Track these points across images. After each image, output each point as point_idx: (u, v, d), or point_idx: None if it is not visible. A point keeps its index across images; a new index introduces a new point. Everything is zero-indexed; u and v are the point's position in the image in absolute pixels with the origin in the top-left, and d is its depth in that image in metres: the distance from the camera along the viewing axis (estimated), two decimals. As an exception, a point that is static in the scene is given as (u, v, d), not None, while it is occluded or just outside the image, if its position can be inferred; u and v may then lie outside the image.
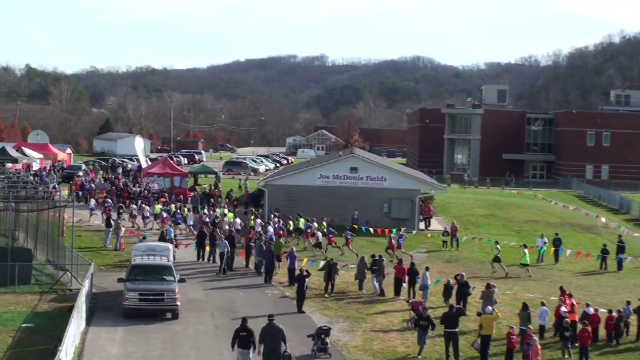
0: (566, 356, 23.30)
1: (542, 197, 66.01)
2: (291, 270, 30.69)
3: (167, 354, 21.60)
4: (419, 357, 22.56)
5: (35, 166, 66.35)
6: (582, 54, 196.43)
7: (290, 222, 41.16)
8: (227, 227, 38.80)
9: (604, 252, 38.32)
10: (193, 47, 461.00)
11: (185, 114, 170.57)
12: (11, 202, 32.71)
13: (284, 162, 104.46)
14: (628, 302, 26.33)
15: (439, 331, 23.79)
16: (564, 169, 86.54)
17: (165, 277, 25.77)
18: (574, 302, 26.02)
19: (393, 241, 37.68)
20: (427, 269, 29.59)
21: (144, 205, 44.23)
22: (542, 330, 25.06)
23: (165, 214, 41.63)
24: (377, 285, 30.07)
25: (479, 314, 24.03)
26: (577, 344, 23.40)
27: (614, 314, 25.44)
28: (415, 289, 29.40)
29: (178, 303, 25.10)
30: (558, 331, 24.47)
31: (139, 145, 75.38)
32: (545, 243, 39.27)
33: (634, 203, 61.50)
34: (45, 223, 33.53)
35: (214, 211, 42.89)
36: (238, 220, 40.65)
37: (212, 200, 49.04)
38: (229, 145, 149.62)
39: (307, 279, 27.28)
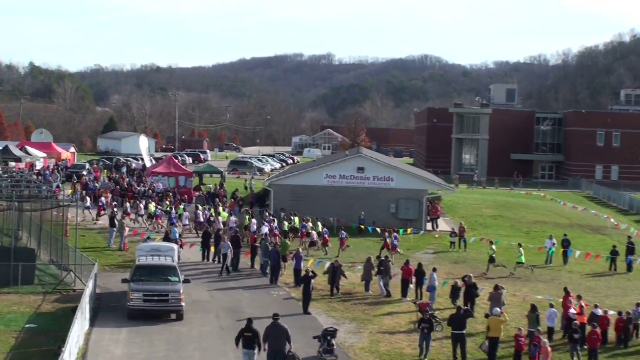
0: (575, 358, 23.05)
1: (550, 197, 65.60)
2: (297, 271, 30.52)
3: (171, 355, 21.46)
4: (423, 358, 22.32)
5: (39, 165, 66.19)
6: (592, 53, 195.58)
7: (286, 222, 40.91)
8: (221, 225, 38.99)
9: (614, 253, 38.01)
10: (198, 45, 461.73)
11: (190, 112, 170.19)
12: (14, 201, 32.61)
13: (290, 161, 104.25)
14: (638, 304, 26.04)
15: (446, 333, 23.61)
16: (573, 170, 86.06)
17: (169, 277, 25.60)
18: (583, 304, 25.78)
19: (387, 240, 37.44)
20: (434, 270, 29.39)
21: (138, 204, 44.12)
22: (550, 332, 24.86)
23: (159, 212, 41.59)
24: (382, 286, 29.83)
25: (486, 316, 23.89)
26: (586, 346, 23.19)
27: (623, 315, 25.14)
28: (422, 290, 29.16)
29: (183, 304, 24.96)
30: (567, 333, 24.27)
31: (144, 144, 75.03)
32: (554, 244, 38.96)
33: (644, 204, 61.05)
34: (48, 223, 33.42)
35: (209, 210, 42.81)
36: (233, 219, 40.57)
37: (217, 200, 48.86)
38: (235, 145, 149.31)
39: (313, 280, 27.09)
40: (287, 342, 19.86)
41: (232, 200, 49.72)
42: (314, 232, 38.61)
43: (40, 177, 53.15)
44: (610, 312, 25.93)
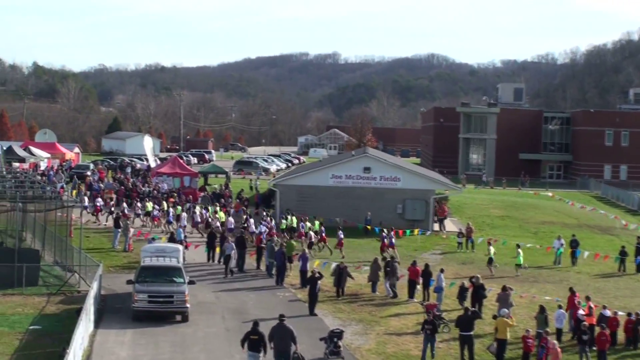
0: (584, 360, 22.82)
1: (559, 197, 65.26)
2: (303, 272, 30.30)
3: (176, 357, 21.35)
4: None
5: (43, 166, 65.95)
6: (601, 52, 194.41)
7: (283, 221, 40.73)
8: (218, 224, 39.00)
9: (623, 254, 37.75)
10: (203, 45, 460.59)
11: (195, 112, 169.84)
12: (18, 202, 32.48)
13: (296, 161, 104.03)
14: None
15: (454, 334, 23.43)
16: (582, 169, 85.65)
17: (174, 278, 25.49)
18: (592, 305, 25.57)
19: (385, 240, 37.25)
20: (441, 271, 29.20)
21: (136, 204, 44.00)
22: (559, 333, 24.69)
23: (156, 212, 41.59)
24: (389, 287, 29.63)
25: (494, 317, 23.70)
26: (595, 348, 23.02)
27: (633, 317, 24.91)
28: (429, 292, 28.95)
29: (188, 305, 24.82)
30: (576, 335, 24.09)
31: (148, 144, 75.01)
32: (562, 245, 38.69)
33: (653, 204, 60.64)
34: (52, 223, 33.32)
35: (207, 210, 42.72)
36: (231, 219, 40.49)
37: (222, 200, 48.72)
38: (240, 145, 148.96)
39: (319, 281, 26.93)
40: (293, 344, 19.76)
41: (238, 200, 49.57)
42: (312, 233, 38.38)
43: (44, 178, 52.95)
44: (620, 313, 25.71)
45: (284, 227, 40.07)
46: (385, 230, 38.58)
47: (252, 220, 39.69)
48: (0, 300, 26.68)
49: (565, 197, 64.92)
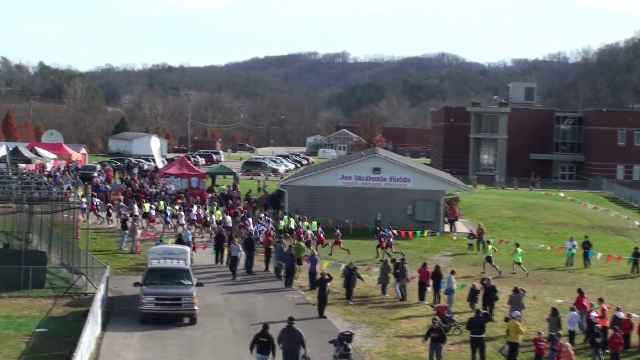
0: (597, 363, 22.53)
1: (571, 198, 64.76)
2: (312, 274, 30.11)
3: (184, 360, 21.17)
4: None
5: (49, 167, 65.76)
6: (613, 50, 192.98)
7: (281, 222, 40.56)
8: (215, 224, 38.90)
9: (636, 255, 37.36)
10: (211, 44, 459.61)
11: (203, 112, 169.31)
12: (25, 203, 32.45)
13: (305, 162, 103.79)
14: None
15: (465, 337, 23.19)
16: (594, 170, 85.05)
17: (182, 280, 25.34)
18: (605, 307, 25.25)
19: (383, 239, 36.98)
20: (452, 272, 28.91)
21: (132, 204, 44.00)
22: (571, 336, 24.40)
23: (153, 213, 41.57)
24: (398, 289, 29.36)
25: (506, 320, 23.47)
26: (608, 351, 22.77)
27: (646, 319, 24.60)
28: (440, 294, 28.66)
29: (196, 307, 24.67)
30: (589, 337, 23.89)
31: (155, 145, 74.84)
32: (574, 246, 38.29)
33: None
34: (59, 225, 33.23)
35: (206, 210, 42.63)
36: (228, 218, 40.44)
37: (230, 201, 48.55)
38: (248, 145, 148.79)
39: (328, 283, 26.68)
40: (302, 347, 19.61)
41: (246, 202, 49.41)
42: (309, 232, 38.20)
43: (50, 179, 52.94)
44: (634, 316, 25.37)
45: (282, 227, 39.85)
46: (383, 229, 38.30)
47: (250, 220, 39.51)
48: (7, 302, 26.62)
49: (578, 198, 64.42)
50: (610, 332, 23.42)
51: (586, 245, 38.58)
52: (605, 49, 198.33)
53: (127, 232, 37.01)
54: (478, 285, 27.92)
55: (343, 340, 21.42)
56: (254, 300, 28.28)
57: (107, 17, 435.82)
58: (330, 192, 45.76)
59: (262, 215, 41.90)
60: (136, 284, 25.60)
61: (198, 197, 49.32)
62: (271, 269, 33.27)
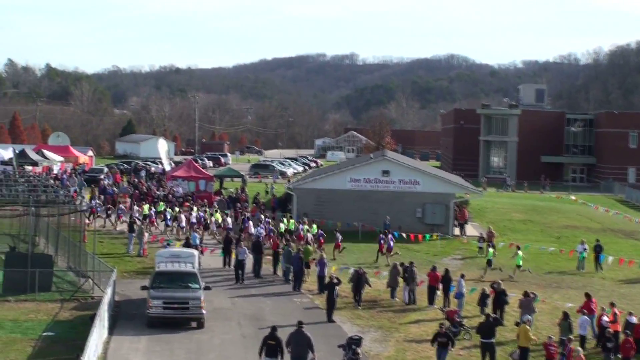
0: (609, 368, 22.28)
1: (582, 201, 64.33)
2: (321, 277, 29.99)
3: (191, 364, 21.10)
4: None
5: (56, 169, 65.69)
6: (624, 52, 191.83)
7: (281, 224, 40.41)
8: (214, 227, 38.72)
9: (648, 258, 36.92)
10: (218, 46, 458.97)
11: (211, 115, 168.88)
12: (31, 206, 32.38)
13: (313, 165, 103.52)
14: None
15: (475, 341, 23.03)
16: (605, 172, 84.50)
17: (190, 284, 25.26)
18: (617, 312, 24.99)
19: (382, 242, 36.83)
20: (462, 276, 28.75)
21: (134, 207, 43.95)
22: (582, 340, 24.17)
23: (153, 215, 41.62)
24: (406, 294, 29.15)
25: (517, 324, 23.27)
26: (619, 355, 22.58)
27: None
28: (450, 298, 28.45)
29: (204, 311, 24.58)
30: (600, 342, 23.69)
31: (163, 147, 74.68)
32: (585, 249, 37.93)
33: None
34: (66, 228, 33.17)
35: (205, 212, 42.54)
36: (229, 220, 40.30)
37: (238, 204, 48.42)
38: (256, 148, 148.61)
39: (337, 287, 26.52)
40: (310, 351, 19.53)
41: (254, 204, 49.27)
42: (309, 235, 38.05)
43: (57, 182, 52.92)
44: (646, 320, 25.00)
45: (282, 230, 39.70)
46: (384, 233, 38.10)
47: (250, 222, 39.37)
48: (13, 306, 26.58)
49: (589, 201, 64.03)
50: (621, 336, 23.18)
51: (597, 249, 38.22)
52: (616, 50, 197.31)
53: (134, 235, 36.95)
54: (488, 289, 27.69)
55: (352, 345, 21.29)
56: (262, 304, 28.15)
57: (114, 18, 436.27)
58: (339, 195, 45.56)
59: (262, 217, 41.72)
60: (143, 288, 25.51)
61: (205, 200, 49.25)
62: (279, 272, 33.13)
